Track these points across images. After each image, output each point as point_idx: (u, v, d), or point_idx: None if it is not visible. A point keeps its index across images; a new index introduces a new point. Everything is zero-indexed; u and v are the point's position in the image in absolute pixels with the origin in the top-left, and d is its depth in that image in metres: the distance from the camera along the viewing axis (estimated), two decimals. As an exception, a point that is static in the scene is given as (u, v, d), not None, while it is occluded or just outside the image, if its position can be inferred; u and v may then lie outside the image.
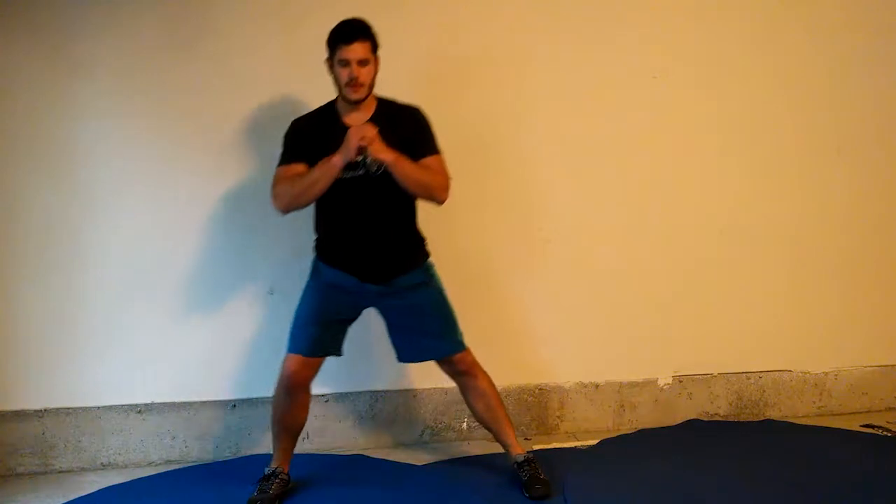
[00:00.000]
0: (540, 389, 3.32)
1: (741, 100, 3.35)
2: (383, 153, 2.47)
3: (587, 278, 3.31)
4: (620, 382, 3.38)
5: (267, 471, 2.70)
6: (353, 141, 2.44)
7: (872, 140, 3.48)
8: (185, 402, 3.08)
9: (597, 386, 3.37)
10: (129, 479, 2.93)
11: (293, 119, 2.68)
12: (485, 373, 2.81)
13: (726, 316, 3.43)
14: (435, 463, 3.04)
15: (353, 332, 2.93)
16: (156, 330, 3.04)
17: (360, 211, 2.61)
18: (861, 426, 3.38)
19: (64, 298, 2.98)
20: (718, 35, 3.31)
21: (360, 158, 2.51)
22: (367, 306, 2.75)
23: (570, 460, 2.96)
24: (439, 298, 2.75)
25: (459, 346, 2.74)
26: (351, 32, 2.51)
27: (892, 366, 3.59)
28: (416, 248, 2.73)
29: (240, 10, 2.98)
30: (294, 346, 2.66)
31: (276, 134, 2.97)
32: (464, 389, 2.82)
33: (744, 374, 3.48)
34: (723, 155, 3.37)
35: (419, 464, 3.03)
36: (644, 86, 3.27)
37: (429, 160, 2.60)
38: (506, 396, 3.24)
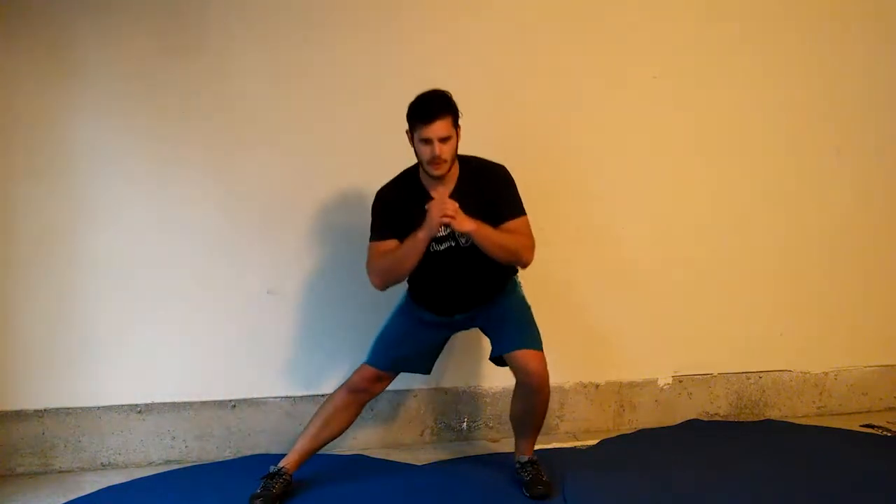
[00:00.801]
0: (540, 389, 3.33)
1: (741, 100, 3.36)
2: (465, 225, 2.47)
3: (587, 278, 3.32)
4: (620, 382, 3.38)
5: (273, 469, 2.71)
6: (434, 217, 2.46)
7: (873, 140, 3.49)
8: (185, 403, 3.08)
9: (597, 386, 3.37)
10: (129, 479, 2.92)
11: (378, 189, 2.67)
12: (544, 383, 2.68)
13: (726, 316, 3.43)
14: (435, 463, 3.04)
15: (354, 333, 2.94)
16: (156, 330, 3.04)
17: (451, 277, 2.66)
18: (861, 426, 3.38)
19: (64, 298, 2.98)
20: (718, 36, 3.31)
21: (445, 232, 2.55)
22: (458, 331, 2.85)
23: (570, 460, 2.97)
24: (520, 302, 2.78)
25: (535, 343, 2.69)
26: (431, 111, 2.48)
27: (892, 366, 3.60)
28: (504, 282, 2.77)
29: (238, 11, 2.98)
30: (372, 359, 2.75)
31: (276, 134, 2.99)
32: (520, 388, 2.72)
33: (744, 375, 3.48)
34: (722, 155, 3.38)
35: (419, 464, 3.03)
36: (643, 86, 3.27)
37: (513, 223, 2.60)
38: (506, 396, 3.24)
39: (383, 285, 2.62)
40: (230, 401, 3.10)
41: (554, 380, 3.29)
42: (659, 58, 3.27)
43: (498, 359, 2.78)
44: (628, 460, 3.04)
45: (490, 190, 2.62)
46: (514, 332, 2.71)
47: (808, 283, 3.49)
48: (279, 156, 3.04)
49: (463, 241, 2.60)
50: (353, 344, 3.02)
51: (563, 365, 3.33)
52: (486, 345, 3.19)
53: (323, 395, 3.14)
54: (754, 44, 3.35)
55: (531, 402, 2.71)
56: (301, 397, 3.14)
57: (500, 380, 3.24)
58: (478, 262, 2.60)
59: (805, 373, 3.53)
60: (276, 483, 2.66)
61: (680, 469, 2.91)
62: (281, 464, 2.72)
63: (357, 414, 2.80)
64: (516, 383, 2.75)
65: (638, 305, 3.36)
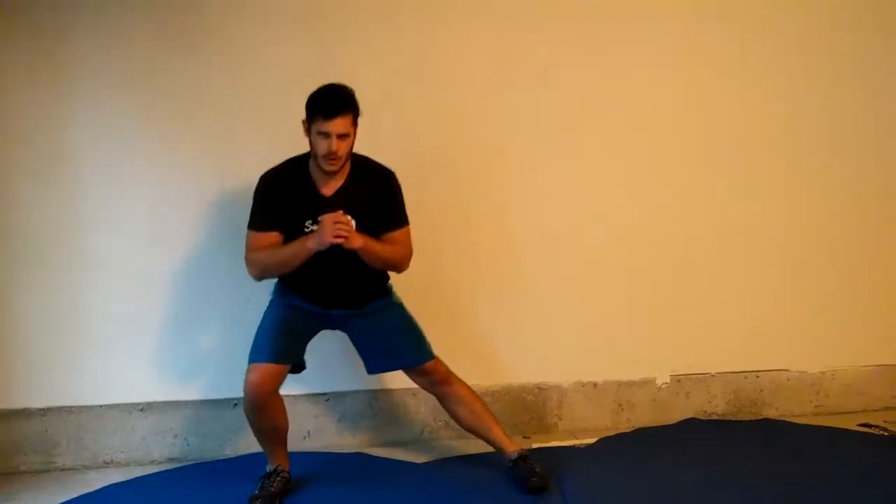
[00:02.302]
0: (539, 388, 3.34)
1: (740, 100, 3.36)
2: (355, 242, 2.47)
3: (586, 278, 3.33)
4: (619, 382, 3.40)
5: (268, 469, 2.72)
6: (327, 233, 2.43)
7: (870, 140, 3.49)
8: (186, 401, 3.09)
9: (595, 385, 3.39)
10: (130, 476, 2.94)
11: (263, 173, 2.63)
12: (461, 381, 2.84)
13: (724, 316, 3.44)
14: (434, 461, 3.06)
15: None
16: (158, 328, 3.06)
17: (323, 272, 2.62)
18: (858, 425, 3.39)
19: (66, 297, 3.00)
20: (717, 36, 3.32)
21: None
22: (330, 328, 2.78)
23: (568, 459, 2.98)
24: (402, 316, 2.78)
25: (425, 356, 2.76)
26: (334, 106, 2.46)
27: (889, 365, 3.61)
28: (378, 286, 2.77)
29: (237, 12, 2.99)
30: (257, 355, 2.63)
31: (275, 135, 3.00)
32: (443, 400, 2.85)
33: (741, 374, 3.49)
34: (721, 156, 3.38)
35: (419, 462, 3.04)
36: (642, 87, 3.28)
37: (396, 234, 2.62)
38: (505, 395, 3.26)
39: (260, 278, 2.62)
40: (231, 399, 3.11)
41: (553, 378, 3.35)
42: (656, 58, 3.28)
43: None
44: (626, 459, 3.04)
45: (377, 194, 2.61)
46: (406, 348, 2.75)
47: (805, 283, 3.49)
48: (280, 155, 3.05)
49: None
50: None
51: (561, 364, 3.35)
52: (486, 345, 3.22)
53: (323, 395, 3.17)
54: (751, 45, 3.35)
55: (465, 401, 2.81)
56: (301, 396, 3.15)
57: (498, 379, 3.25)
58: (353, 263, 2.58)
59: (802, 372, 3.54)
60: (275, 482, 2.67)
61: (677, 468, 2.92)
62: (274, 463, 2.72)
63: (281, 402, 2.68)
64: (439, 399, 2.84)
65: (636, 305, 3.37)
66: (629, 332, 3.37)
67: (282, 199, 2.58)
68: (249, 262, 2.60)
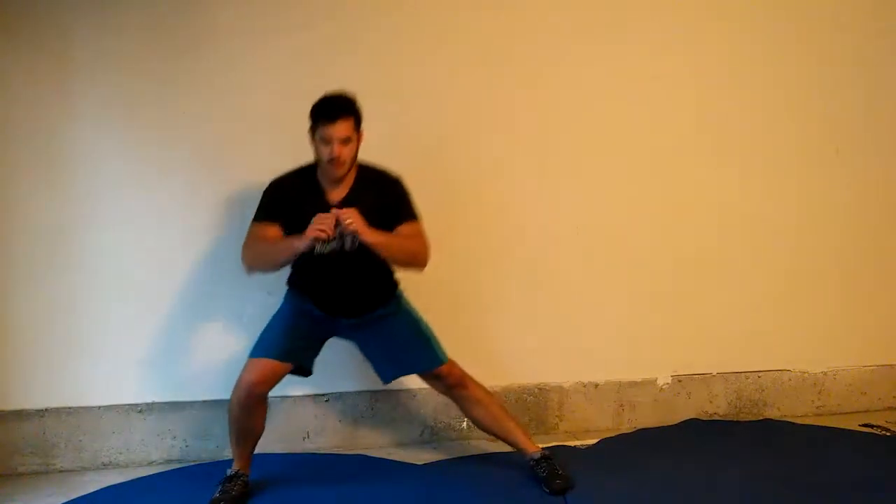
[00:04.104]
0: (540, 389, 3.33)
1: (740, 101, 3.36)
2: (370, 237, 2.46)
3: (587, 279, 3.32)
4: (620, 382, 3.39)
5: (229, 472, 2.70)
6: (313, 230, 2.41)
7: (871, 141, 3.49)
8: (185, 402, 3.08)
9: (596, 386, 3.38)
10: (129, 478, 2.93)
11: (272, 179, 2.64)
12: (477, 382, 2.83)
13: (725, 316, 3.44)
14: (435, 462, 3.05)
15: (354, 332, 2.93)
16: (156, 330, 3.04)
17: (334, 278, 2.63)
18: (860, 426, 3.39)
19: (64, 298, 2.98)
20: (717, 38, 3.32)
21: (333, 240, 2.50)
22: (338, 336, 2.78)
23: (569, 459, 2.97)
24: (410, 323, 2.77)
25: (438, 360, 2.75)
26: (334, 110, 2.49)
27: (891, 365, 3.61)
28: (388, 292, 2.76)
29: (239, 11, 2.98)
30: (258, 351, 2.63)
31: (275, 135, 2.99)
32: (460, 402, 2.85)
33: (743, 374, 3.49)
34: (722, 155, 3.38)
35: (419, 463, 3.04)
36: (643, 87, 3.28)
37: (407, 227, 2.60)
38: (506, 396, 3.25)
39: (250, 270, 2.61)
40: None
41: (554, 379, 3.34)
42: (657, 58, 3.27)
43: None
44: (628, 460, 3.04)
45: (385, 197, 2.61)
46: (417, 353, 2.74)
47: (807, 283, 3.49)
48: (280, 155, 3.04)
49: (349, 246, 2.57)
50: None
51: (562, 364, 3.35)
52: (487, 345, 3.21)
53: (323, 395, 3.16)
54: (753, 45, 3.35)
55: (482, 403, 2.81)
56: (301, 397, 3.15)
57: (500, 380, 3.24)
58: (362, 265, 2.58)
59: (804, 372, 3.53)
60: (235, 485, 2.66)
61: (679, 468, 2.91)
62: (236, 466, 2.70)
63: (265, 409, 2.67)
64: (456, 402, 2.85)
65: (637, 305, 3.36)
66: (630, 332, 3.37)
67: (289, 200, 2.59)
68: (244, 251, 2.61)
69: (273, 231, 2.58)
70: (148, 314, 3.04)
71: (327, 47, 3.03)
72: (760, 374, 3.50)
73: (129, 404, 3.05)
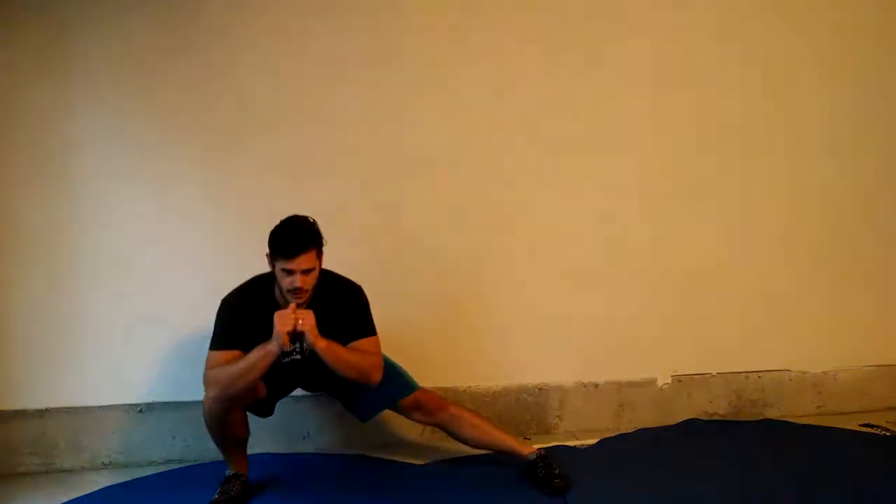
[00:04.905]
0: (540, 389, 3.33)
1: (739, 101, 3.37)
2: (318, 341, 2.44)
3: (587, 278, 3.32)
4: (620, 382, 3.39)
5: (228, 473, 2.70)
6: (279, 328, 2.40)
7: (870, 140, 3.49)
8: (185, 402, 3.08)
9: (596, 385, 3.38)
10: (129, 478, 2.93)
11: (224, 297, 2.58)
12: (456, 403, 2.87)
13: (725, 316, 3.44)
14: (434, 462, 3.05)
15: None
16: (156, 329, 3.05)
17: (293, 380, 2.70)
18: (860, 426, 3.38)
19: (64, 298, 2.99)
20: (717, 38, 3.32)
21: (294, 346, 2.52)
22: (305, 387, 2.86)
23: (569, 459, 2.97)
24: None
25: (410, 387, 2.77)
26: (295, 245, 2.42)
27: (891, 366, 3.60)
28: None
29: (238, 10, 2.99)
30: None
31: (275, 134, 2.99)
32: (447, 426, 2.84)
33: (743, 374, 3.49)
34: (721, 156, 3.39)
35: (419, 463, 3.03)
36: (640, 89, 3.28)
37: (363, 342, 2.57)
38: (505, 396, 3.26)
39: (220, 399, 2.49)
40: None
41: (554, 379, 3.34)
42: (655, 58, 3.27)
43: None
44: (628, 460, 3.04)
45: (342, 309, 2.58)
46: (389, 385, 2.70)
47: (807, 283, 3.49)
48: (281, 154, 3.05)
49: (308, 352, 2.55)
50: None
51: (562, 365, 3.35)
52: (487, 345, 3.21)
53: (322, 395, 3.15)
54: (749, 47, 3.35)
55: (466, 420, 2.81)
56: (301, 396, 3.14)
57: (499, 380, 3.25)
58: (325, 372, 2.55)
59: (804, 372, 3.53)
60: (234, 486, 2.66)
61: (679, 468, 2.91)
62: (233, 469, 2.70)
63: (241, 414, 2.63)
64: (442, 426, 2.84)
65: (638, 305, 3.36)
66: (630, 332, 3.37)
67: (247, 325, 2.51)
68: (207, 381, 2.51)
69: (236, 356, 2.49)
70: (148, 314, 3.04)
71: (328, 46, 3.03)
72: (760, 374, 3.50)
73: (129, 404, 3.06)
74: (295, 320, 2.42)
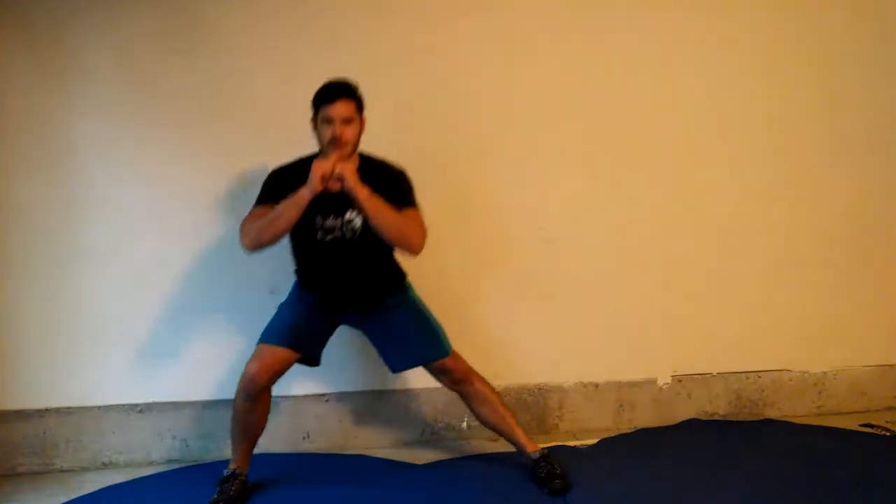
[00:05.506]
0: (539, 389, 3.33)
1: (739, 101, 3.35)
2: (358, 188, 2.46)
3: (587, 278, 3.32)
4: (620, 382, 3.39)
5: (226, 472, 2.70)
6: (315, 171, 2.44)
7: (870, 140, 3.48)
8: (186, 402, 3.09)
9: (596, 386, 3.38)
10: (130, 478, 2.94)
11: (273, 168, 2.67)
12: (483, 379, 2.85)
13: (725, 316, 3.43)
14: (435, 462, 3.05)
15: (354, 333, 2.94)
16: (156, 329, 3.05)
17: (339, 269, 2.64)
18: (860, 426, 3.38)
19: (64, 298, 2.99)
20: (716, 38, 3.32)
21: (332, 218, 2.53)
22: (345, 323, 2.79)
23: (569, 459, 2.97)
24: (416, 314, 2.78)
25: (442, 351, 2.76)
26: (334, 91, 2.52)
27: (891, 366, 3.60)
28: (394, 282, 2.77)
29: (237, 11, 2.98)
30: (268, 337, 2.64)
31: (275, 133, 2.99)
32: (465, 397, 2.85)
33: (743, 374, 3.49)
34: (721, 156, 3.38)
35: (419, 463, 3.04)
36: (642, 87, 3.27)
37: (407, 211, 2.58)
38: (506, 396, 3.24)
39: (253, 245, 2.53)
40: (231, 400, 3.09)
41: (554, 379, 3.34)
42: (653, 56, 3.27)
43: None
44: (628, 460, 3.04)
45: (386, 186, 2.58)
46: (423, 344, 2.74)
47: (807, 283, 3.49)
48: (280, 154, 3.04)
49: (350, 235, 2.58)
50: (353, 343, 3.04)
51: (562, 364, 3.34)
52: (487, 344, 3.21)
53: (322, 395, 3.16)
54: (751, 46, 3.34)
55: (488, 400, 2.82)
56: (301, 397, 3.15)
57: (499, 380, 3.24)
58: (365, 255, 2.59)
59: (804, 372, 3.53)
60: (233, 485, 2.66)
61: (679, 468, 2.91)
62: (233, 466, 2.71)
63: (269, 401, 2.69)
64: (461, 396, 2.85)
65: (638, 305, 3.36)
66: (630, 332, 3.37)
67: (288, 186, 2.55)
68: (242, 231, 2.56)
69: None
70: (148, 314, 3.04)
71: (327, 46, 3.03)
72: (760, 374, 3.50)
73: (129, 404, 3.06)
74: (333, 165, 2.45)
